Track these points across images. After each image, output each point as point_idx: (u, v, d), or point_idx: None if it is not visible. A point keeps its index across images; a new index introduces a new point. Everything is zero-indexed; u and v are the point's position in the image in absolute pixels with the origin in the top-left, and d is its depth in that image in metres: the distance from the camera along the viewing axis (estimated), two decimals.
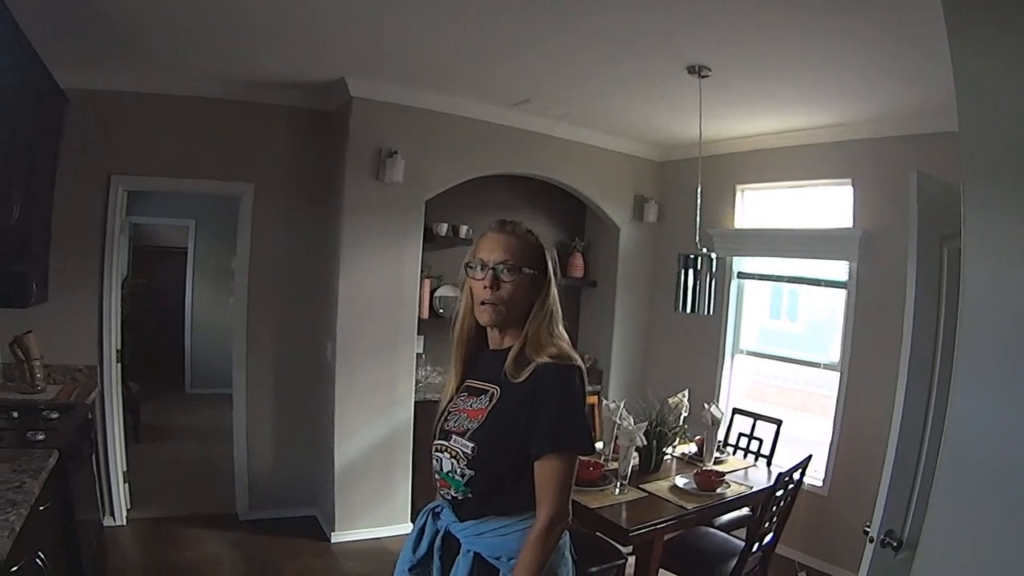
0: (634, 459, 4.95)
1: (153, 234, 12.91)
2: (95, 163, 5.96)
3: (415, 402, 6.61)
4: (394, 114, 6.26)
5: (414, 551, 2.67)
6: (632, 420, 4.90)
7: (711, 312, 5.31)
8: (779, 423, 5.99)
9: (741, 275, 7.43)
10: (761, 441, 6.00)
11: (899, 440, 2.93)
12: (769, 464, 5.82)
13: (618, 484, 4.73)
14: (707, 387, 7.30)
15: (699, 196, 5.66)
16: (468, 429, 2.49)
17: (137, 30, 4.96)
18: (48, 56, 4.70)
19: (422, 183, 6.48)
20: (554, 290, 2.57)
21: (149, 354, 11.70)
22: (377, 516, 6.46)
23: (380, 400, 6.43)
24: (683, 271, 5.23)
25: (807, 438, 6.49)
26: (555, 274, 2.59)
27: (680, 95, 5.64)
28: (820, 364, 6.71)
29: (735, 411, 6.33)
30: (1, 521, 2.90)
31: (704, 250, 5.22)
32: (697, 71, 5.00)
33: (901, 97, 5.34)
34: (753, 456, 5.95)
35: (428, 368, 7.31)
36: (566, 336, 2.55)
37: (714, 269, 5.24)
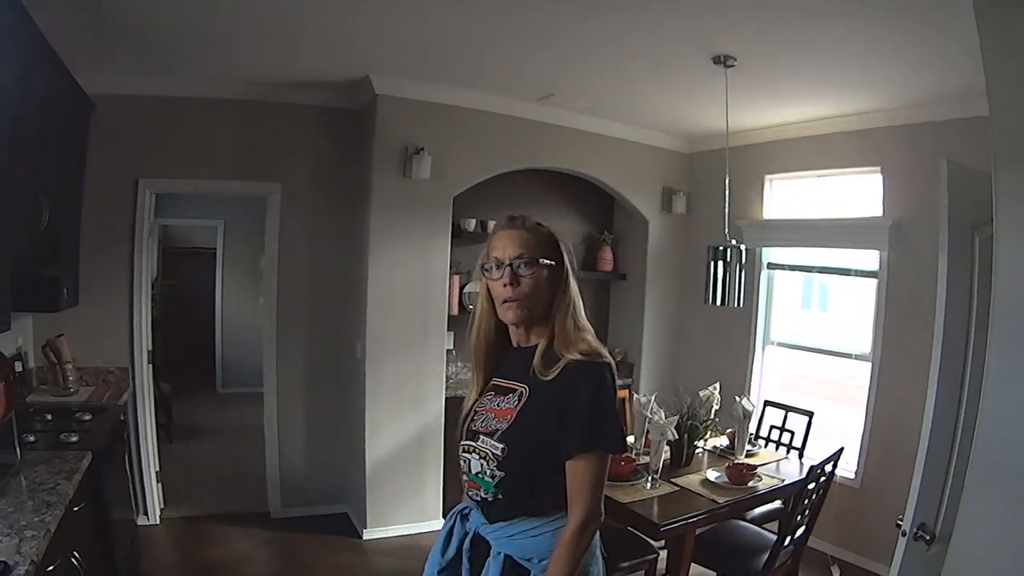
0: (665, 453, 4.91)
1: (182, 235, 13.00)
2: (123, 167, 6.00)
3: (445, 398, 6.63)
4: (419, 111, 6.26)
5: (443, 554, 2.63)
6: (663, 414, 4.86)
7: (741, 304, 5.27)
8: (811, 415, 5.92)
9: (771, 266, 7.37)
10: (793, 433, 5.93)
11: (931, 432, 2.89)
12: (801, 456, 5.74)
13: (649, 478, 4.70)
14: (738, 379, 7.26)
15: (727, 187, 5.62)
16: (497, 429, 2.44)
17: (161, 36, 4.99)
18: (73, 63, 4.74)
19: (449, 179, 6.47)
20: (573, 280, 2.50)
21: (180, 354, 11.79)
22: (408, 512, 6.47)
23: (410, 396, 6.45)
24: (712, 263, 5.19)
25: (839, 430, 6.45)
26: (572, 263, 2.52)
27: (706, 86, 5.59)
28: (852, 355, 6.64)
29: (766, 403, 6.26)
30: (36, 522, 2.92)
31: (733, 241, 5.18)
32: (723, 61, 4.95)
33: (930, 83, 5.26)
34: (785, 448, 5.88)
35: (458, 364, 7.29)
36: (591, 328, 2.49)
37: (743, 260, 5.20)
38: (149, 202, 6.15)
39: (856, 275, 6.63)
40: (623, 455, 4.84)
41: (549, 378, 2.37)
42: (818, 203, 6.94)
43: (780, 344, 7.39)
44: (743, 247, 5.20)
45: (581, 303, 2.49)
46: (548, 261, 2.46)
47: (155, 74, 5.89)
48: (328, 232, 6.69)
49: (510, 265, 2.43)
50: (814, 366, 7.18)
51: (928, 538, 2.80)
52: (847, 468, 6.25)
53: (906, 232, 6.02)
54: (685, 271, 8.18)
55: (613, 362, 2.40)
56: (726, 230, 5.37)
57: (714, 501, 4.54)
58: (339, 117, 6.66)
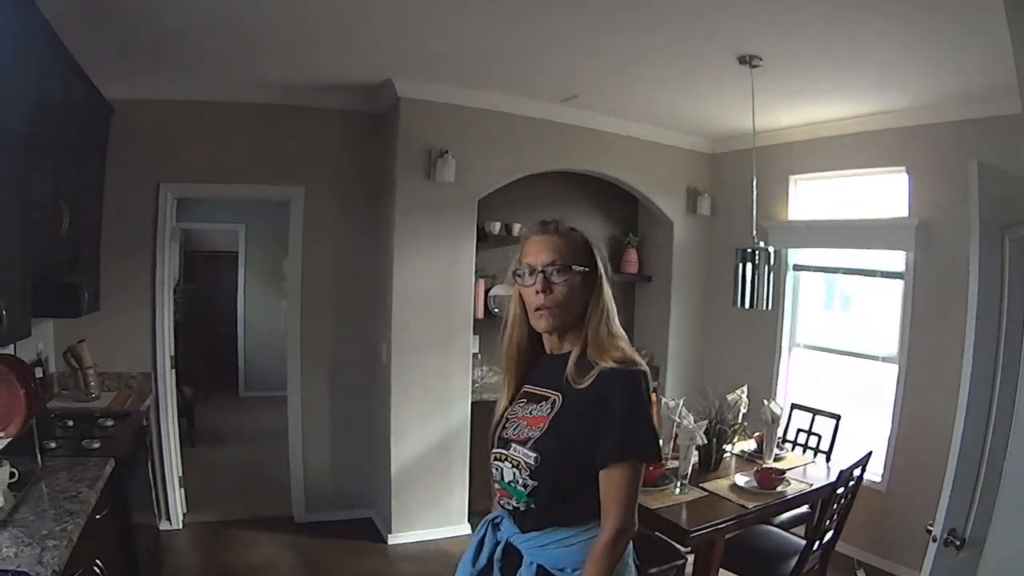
0: (694, 457, 4.85)
1: (203, 239, 13.01)
2: (144, 171, 6.01)
3: (471, 402, 6.59)
4: (443, 113, 6.23)
5: (473, 563, 2.58)
6: (692, 418, 4.80)
7: (770, 307, 5.20)
8: (838, 418, 5.83)
9: (796, 267, 7.29)
10: (820, 437, 5.86)
11: (963, 437, 2.83)
12: (828, 460, 5.69)
13: (678, 483, 4.65)
14: (764, 382, 7.19)
15: (754, 188, 5.56)
16: (530, 438, 2.39)
17: (181, 39, 4.98)
18: (92, 67, 4.75)
19: (474, 182, 6.43)
20: (607, 286, 2.45)
21: (202, 358, 11.76)
22: (434, 517, 6.43)
23: (436, 401, 6.41)
24: (741, 265, 5.13)
25: (864, 433, 6.36)
26: (606, 269, 2.48)
27: (731, 86, 5.53)
28: (878, 357, 6.56)
29: (793, 406, 6.17)
30: (59, 531, 2.91)
31: (761, 243, 5.11)
32: (748, 61, 4.89)
33: (957, 81, 5.18)
34: (812, 452, 5.82)
35: (484, 368, 7.26)
36: (624, 334, 2.44)
37: (772, 262, 5.14)
38: (171, 206, 6.14)
39: (881, 276, 6.55)
40: (653, 463, 4.79)
41: (583, 386, 2.31)
42: (843, 204, 6.86)
43: (806, 346, 7.31)
44: (771, 249, 5.13)
45: (615, 309, 2.44)
46: (581, 268, 2.41)
47: (176, 78, 5.88)
48: (352, 235, 6.65)
49: (543, 272, 2.39)
50: (839, 368, 7.09)
51: (958, 543, 2.76)
52: (873, 471, 6.02)
53: (932, 233, 5.93)
54: (710, 273, 8.12)
55: (648, 369, 2.36)
56: (754, 232, 5.30)
57: (743, 506, 4.48)
58: (362, 120, 6.64)
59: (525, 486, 2.37)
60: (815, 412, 6.01)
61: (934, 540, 2.81)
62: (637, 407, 2.28)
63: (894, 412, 6.23)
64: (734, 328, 7.82)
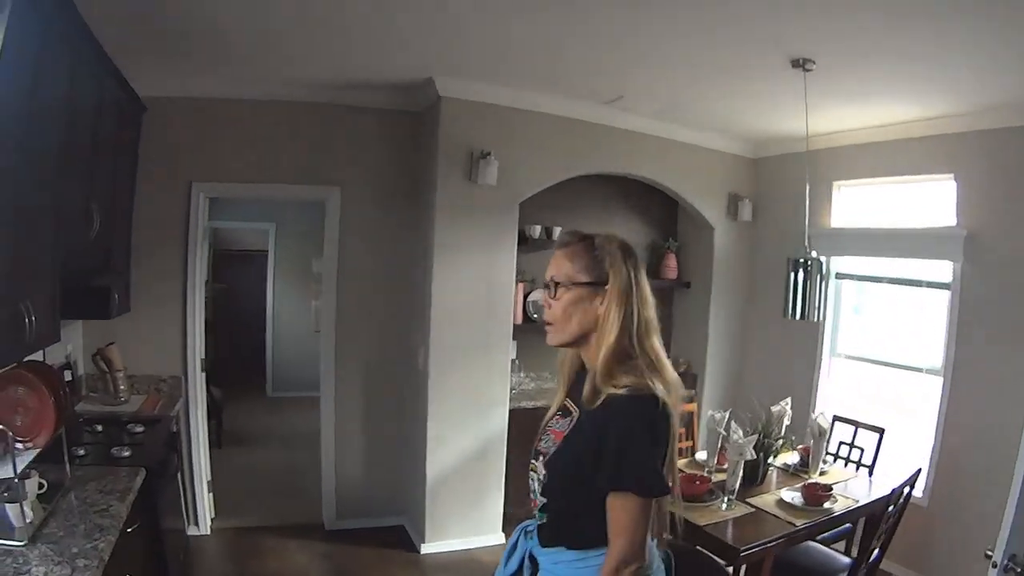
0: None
1: (233, 238, 13.02)
2: (176, 171, 5.93)
3: (509, 409, 6.47)
4: (485, 113, 6.11)
5: (505, 564, 2.61)
6: (741, 432, 4.68)
7: (821, 318, 5.04)
8: (881, 432, 5.73)
9: (839, 275, 7.12)
10: (862, 450, 5.76)
11: None
12: (871, 474, 5.58)
13: (725, 499, 4.54)
14: (804, 392, 7.07)
15: (807, 195, 5.42)
16: (547, 452, 2.40)
17: (213, 35, 4.87)
18: (125, 65, 4.67)
19: (516, 184, 6.32)
20: (621, 299, 2.32)
21: (230, 358, 11.75)
22: (468, 526, 6.32)
23: (473, 407, 6.29)
24: (792, 275, 4.99)
25: (906, 446, 6.24)
26: (627, 279, 2.35)
27: (781, 89, 5.38)
28: (922, 369, 6.40)
29: (835, 418, 6.01)
30: (89, 549, 2.83)
31: (813, 252, 4.98)
32: (802, 64, 4.75)
33: (1010, 87, 5.05)
34: (854, 466, 5.71)
35: (521, 374, 7.19)
36: (653, 350, 2.33)
37: (824, 272, 5.01)
38: (203, 206, 6.07)
39: (927, 287, 6.39)
40: (698, 475, 4.78)
41: (594, 407, 2.27)
42: (888, 211, 6.72)
43: (847, 357, 7.18)
44: (823, 258, 5.00)
45: (640, 322, 2.33)
46: (584, 281, 2.38)
47: (208, 75, 5.81)
48: (388, 236, 6.55)
49: (546, 286, 2.44)
50: (880, 380, 6.95)
51: (1019, 570, 2.65)
52: (916, 487, 5.87)
53: (981, 243, 5.78)
54: (751, 279, 8.03)
55: (665, 398, 2.21)
56: (806, 240, 5.13)
57: (791, 523, 4.38)
58: (401, 119, 6.53)
59: (539, 501, 2.43)
60: (858, 425, 5.90)
61: (994, 566, 2.71)
62: (633, 438, 2.19)
63: (937, 425, 6.07)
64: (774, 337, 7.69)
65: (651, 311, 2.38)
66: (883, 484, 5.12)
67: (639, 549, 2.19)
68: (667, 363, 2.34)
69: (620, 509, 2.18)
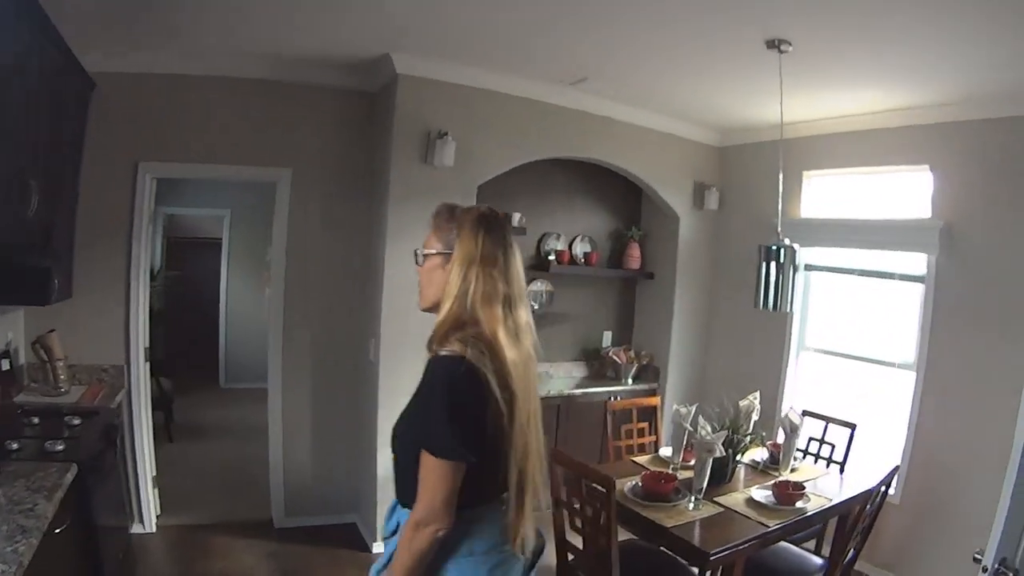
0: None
1: (187, 224, 12.76)
2: (121, 150, 5.65)
3: None
4: (443, 93, 5.87)
5: (387, 524, 2.66)
6: (709, 428, 4.51)
7: (792, 308, 4.86)
8: (853, 427, 5.59)
9: (808, 267, 6.99)
10: (833, 446, 5.63)
11: (1022, 460, 2.63)
12: (842, 471, 5.46)
13: (693, 498, 4.35)
14: (771, 386, 6.94)
15: (780, 181, 5.26)
16: None
17: (164, 6, 4.63)
18: (72, 38, 4.44)
19: (474, 167, 6.08)
20: (463, 268, 2.39)
21: (182, 348, 11.50)
22: None
23: None
24: (765, 264, 4.79)
25: (877, 442, 6.17)
26: (480, 248, 2.40)
27: (754, 71, 5.24)
28: (894, 364, 6.30)
29: (804, 413, 5.79)
30: (9, 553, 2.59)
31: (786, 240, 4.78)
32: (777, 45, 4.58)
33: (989, 78, 4.97)
34: (824, 462, 5.59)
35: None
36: (497, 319, 2.37)
37: (796, 262, 4.80)
38: (149, 188, 5.80)
39: (900, 279, 6.29)
40: (663, 472, 4.65)
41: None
42: (859, 202, 6.62)
43: (816, 350, 7.06)
44: (797, 247, 4.80)
45: (476, 292, 2.38)
46: (435, 251, 2.54)
47: (155, 49, 5.52)
48: (341, 222, 6.31)
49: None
50: (850, 374, 6.82)
51: (1011, 574, 2.50)
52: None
53: (957, 235, 5.72)
54: (716, 270, 7.91)
55: (476, 364, 2.25)
56: (779, 228, 4.95)
57: (763, 524, 4.18)
58: (356, 99, 6.29)
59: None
60: (829, 420, 5.77)
61: (984, 570, 2.59)
62: (432, 399, 2.30)
63: (910, 421, 5.98)
64: (740, 329, 7.59)
65: (501, 284, 2.40)
66: (855, 482, 5.07)
67: (438, 511, 2.24)
68: (512, 338, 2.37)
69: (422, 467, 2.28)
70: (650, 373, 7.76)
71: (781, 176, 5.28)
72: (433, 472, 2.24)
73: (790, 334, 7.07)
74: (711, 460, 4.37)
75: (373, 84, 6.19)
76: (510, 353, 2.32)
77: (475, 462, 2.26)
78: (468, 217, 2.44)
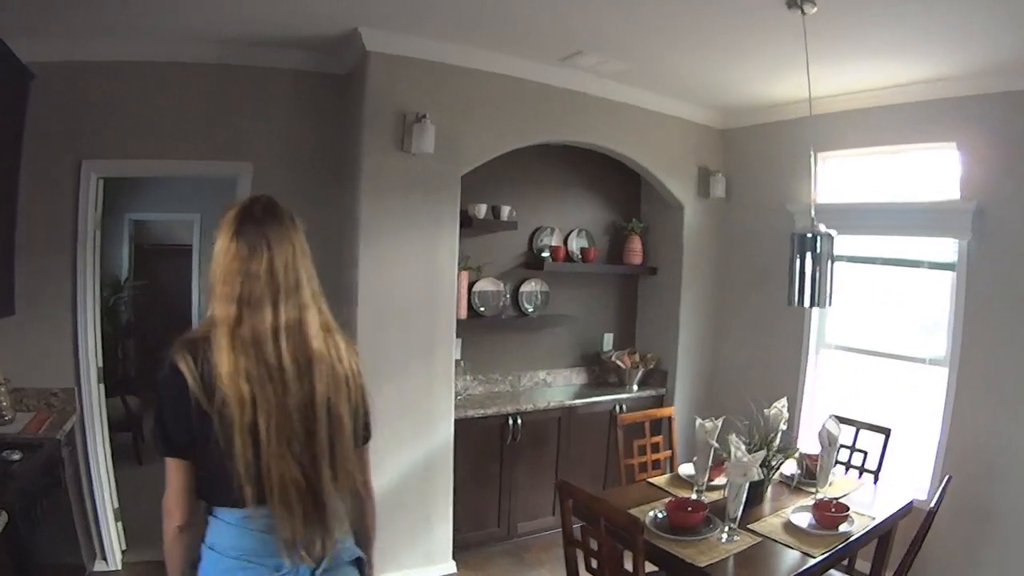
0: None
1: (156, 231, 12.28)
2: (63, 147, 5.13)
3: (455, 419, 5.73)
4: (420, 72, 5.35)
5: None
6: (743, 447, 3.96)
7: (831, 304, 4.38)
8: (887, 433, 5.17)
9: None
10: (865, 454, 5.21)
11: None
12: (876, 481, 5.03)
13: (726, 528, 3.81)
14: (789, 389, 6.38)
15: (812, 163, 4.89)
16: None
17: None
18: (5, 25, 4.14)
19: (457, 154, 5.56)
20: (215, 267, 2.35)
21: (152, 362, 10.90)
22: (415, 556, 5.58)
23: (414, 420, 5.51)
24: (799, 256, 4.28)
25: (908, 444, 5.73)
26: (227, 245, 2.35)
27: (772, 38, 4.84)
28: (925, 360, 5.87)
29: (831, 417, 5.33)
30: None
31: (822, 228, 4.27)
32: (800, 4, 4.11)
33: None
34: (856, 472, 5.17)
35: (467, 377, 6.47)
36: (218, 313, 2.31)
37: (834, 252, 4.32)
38: (95, 188, 5.27)
39: (929, 267, 5.89)
40: (690, 501, 4.13)
41: None
42: (880, 185, 6.20)
43: (837, 347, 6.59)
44: (834, 234, 4.31)
45: (216, 289, 2.34)
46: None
47: (99, 34, 5.00)
48: (309, 219, 5.57)
49: None
50: (876, 372, 6.35)
51: None
52: (919, 490, 5.53)
53: (990, 218, 5.34)
54: (724, 264, 7.44)
55: (177, 360, 2.24)
56: (812, 214, 4.42)
57: (808, 555, 3.66)
58: (322, 82, 5.78)
59: None
60: (860, 426, 5.33)
61: None
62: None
63: (943, 421, 5.59)
64: (753, 327, 7.14)
65: (259, 284, 2.31)
66: (892, 494, 4.66)
67: (170, 506, 2.29)
68: (269, 341, 2.29)
69: None
70: (656, 377, 7.32)
71: (813, 155, 4.89)
72: (166, 467, 2.29)
73: (809, 330, 6.63)
74: (747, 485, 3.83)
75: (341, 65, 5.69)
76: (242, 357, 2.23)
77: (190, 461, 2.28)
78: (226, 216, 2.40)
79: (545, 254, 6.86)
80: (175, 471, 2.26)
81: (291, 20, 4.90)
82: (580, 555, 3.73)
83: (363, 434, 2.58)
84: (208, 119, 5.47)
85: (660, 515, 3.95)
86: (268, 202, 2.50)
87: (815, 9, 4.13)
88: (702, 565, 3.49)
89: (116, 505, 5.58)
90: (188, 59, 5.34)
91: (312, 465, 2.28)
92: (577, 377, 7.41)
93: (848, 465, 5.23)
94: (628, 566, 3.33)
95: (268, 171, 5.59)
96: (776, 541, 3.82)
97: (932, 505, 3.98)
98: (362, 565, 2.57)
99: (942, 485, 4.20)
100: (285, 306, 2.33)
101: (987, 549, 5.22)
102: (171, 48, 5.25)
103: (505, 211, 6.44)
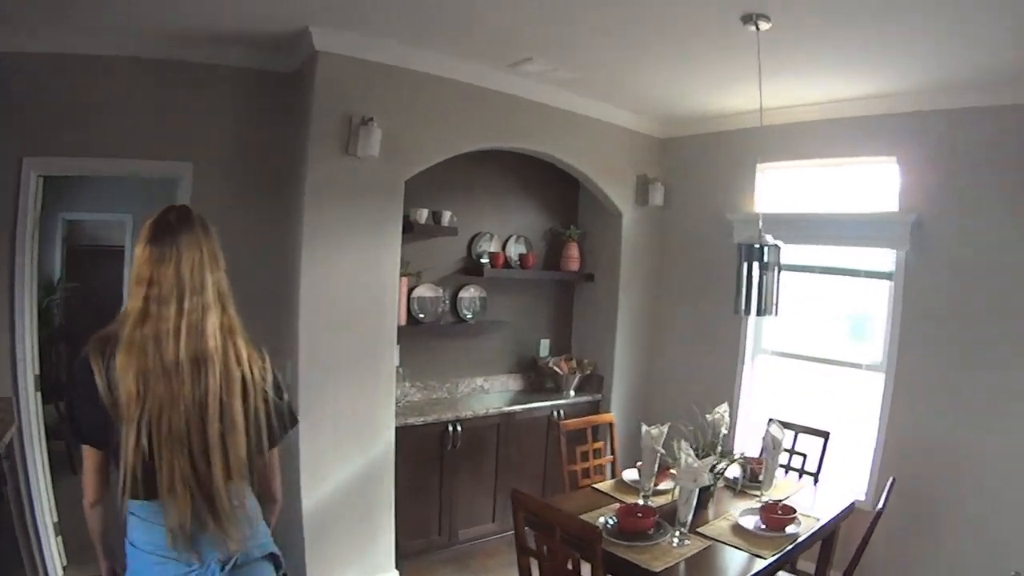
0: (676, 494, 4.09)
1: (88, 231, 12.00)
2: (3, 144, 4.92)
3: (396, 427, 5.65)
4: (369, 73, 5.24)
5: None
6: (692, 452, 3.99)
7: (777, 313, 4.48)
8: (827, 436, 5.35)
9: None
10: (805, 456, 5.38)
11: None
12: (815, 483, 5.22)
13: (677, 533, 3.86)
14: (725, 393, 6.50)
15: (755, 174, 5.40)
16: None
17: None
18: None
19: (402, 159, 5.48)
20: (132, 271, 2.52)
21: None
22: (359, 568, 5.47)
23: (356, 427, 5.41)
24: (747, 265, 4.37)
25: (845, 448, 5.85)
26: (140, 250, 2.52)
27: (724, 54, 4.98)
28: (862, 365, 6.07)
29: (771, 421, 5.31)
30: None
31: (771, 239, 4.38)
32: (754, 20, 4.21)
33: (963, 66, 4.84)
34: (796, 474, 5.35)
35: (406, 384, 6.40)
36: (129, 308, 2.45)
37: (781, 261, 4.44)
38: (36, 188, 5.09)
39: (866, 276, 6.12)
40: (639, 507, 4.18)
41: None
42: (822, 196, 6.37)
43: (773, 353, 6.73)
44: (781, 245, 4.43)
45: (137, 294, 2.46)
46: None
47: (37, 25, 4.84)
48: (251, 223, 5.57)
49: None
50: (812, 378, 6.53)
51: None
52: (858, 490, 5.78)
53: (928, 230, 5.59)
54: (661, 271, 7.54)
55: (89, 351, 2.42)
56: (760, 224, 4.53)
57: (759, 556, 3.76)
58: (268, 81, 5.58)
59: None
60: (798, 429, 5.49)
61: None
62: None
63: (880, 424, 5.82)
64: (690, 333, 7.28)
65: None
66: (833, 495, 4.91)
67: (85, 483, 2.50)
68: (171, 339, 2.40)
69: None
70: (593, 383, 7.37)
71: (757, 166, 5.31)
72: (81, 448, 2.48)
73: (745, 337, 6.77)
74: (697, 490, 3.89)
75: (288, 63, 5.52)
76: (139, 354, 2.36)
77: (99, 448, 2.44)
78: (145, 223, 2.55)
79: (484, 260, 6.86)
80: (87, 454, 2.46)
81: (240, 16, 4.78)
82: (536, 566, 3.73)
83: (268, 440, 2.60)
84: (150, 117, 5.28)
85: (611, 521, 3.97)
86: (182, 210, 2.62)
87: (769, 25, 4.23)
88: (657, 570, 3.52)
89: (55, 519, 5.41)
90: (130, 53, 5.15)
91: (203, 460, 2.37)
92: (514, 383, 7.41)
93: (788, 468, 5.36)
94: (585, 574, 3.36)
95: (210, 172, 5.44)
96: (726, 544, 3.90)
97: (880, 506, 4.12)
98: (278, 561, 2.66)
99: (887, 486, 4.36)
100: (189, 306, 2.43)
101: (923, 545, 5.44)
102: (113, 42, 5.06)
103: (446, 216, 6.41)
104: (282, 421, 2.71)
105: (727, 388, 6.70)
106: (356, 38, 5.05)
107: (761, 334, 6.77)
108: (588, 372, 7.24)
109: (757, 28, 4.23)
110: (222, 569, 2.43)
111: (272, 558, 2.64)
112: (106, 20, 4.83)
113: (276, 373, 2.75)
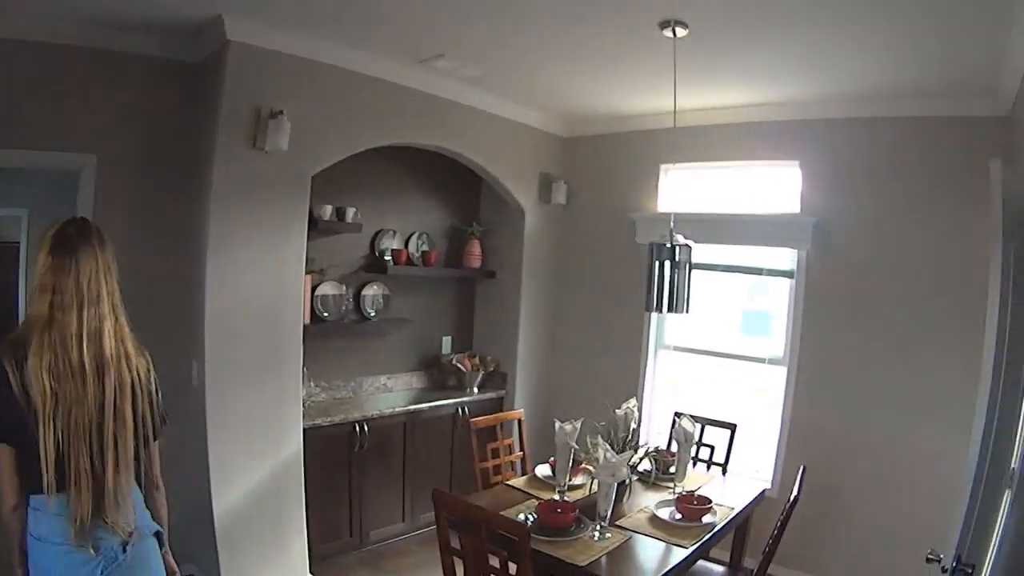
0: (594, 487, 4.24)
1: None
2: None
3: (304, 428, 5.54)
4: (279, 65, 5.09)
5: None
6: (609, 448, 4.01)
7: (688, 311, 4.52)
8: (733, 428, 5.52)
9: None
10: (712, 448, 5.53)
11: (979, 459, 2.67)
12: (724, 473, 5.40)
13: (597, 527, 3.92)
14: (628, 388, 6.66)
15: (660, 175, 5.39)
16: None
17: None
18: None
19: (310, 153, 5.35)
20: (35, 279, 2.71)
21: None
22: (273, 569, 5.35)
23: (263, 429, 5.27)
24: (658, 263, 4.39)
25: (750, 438, 6.11)
26: (42, 260, 2.71)
27: (642, 58, 5.07)
28: (764, 360, 6.35)
29: (677, 415, 5.51)
30: None
31: (682, 239, 4.43)
32: (672, 26, 4.29)
33: (872, 76, 5.07)
34: (705, 465, 5.46)
35: (311, 384, 6.25)
36: (33, 315, 2.63)
37: (692, 261, 4.49)
38: None
39: (768, 275, 6.39)
40: (559, 503, 4.18)
41: None
42: (723, 197, 6.61)
43: (675, 348, 6.87)
44: (692, 244, 4.48)
45: (35, 293, 2.68)
46: None
47: None
48: (156, 219, 5.39)
49: None
50: (715, 372, 6.71)
51: (969, 571, 2.57)
52: (763, 478, 6.03)
53: (827, 231, 5.88)
54: (563, 269, 7.66)
55: (2, 354, 2.55)
56: (672, 224, 4.52)
57: (679, 546, 3.88)
58: (175, 70, 5.34)
59: None
60: (705, 422, 5.61)
61: (944, 571, 2.65)
62: None
63: (783, 415, 6.10)
64: (592, 329, 7.42)
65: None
66: (742, 484, 5.13)
67: (2, 488, 2.57)
68: (74, 342, 2.61)
69: None
70: (496, 380, 7.39)
71: (662, 167, 5.12)
72: None
73: (648, 333, 6.90)
74: (615, 485, 3.93)
75: (197, 52, 5.29)
76: (49, 355, 2.54)
77: (15, 447, 2.53)
78: (47, 234, 2.75)
79: (387, 257, 6.81)
80: (4, 455, 2.54)
81: (152, 3, 4.57)
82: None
83: (153, 435, 2.90)
84: (49, 105, 5.00)
85: (532, 518, 3.99)
86: (81, 224, 2.81)
87: (686, 32, 4.31)
88: (583, 564, 3.58)
89: None
90: (28, 36, 4.85)
91: (100, 456, 2.58)
92: (417, 381, 7.36)
93: (696, 459, 5.41)
94: (511, 570, 3.38)
95: (114, 165, 5.21)
96: (646, 535, 4.00)
97: (795, 493, 4.24)
98: (160, 537, 2.93)
99: (799, 475, 4.46)
100: (87, 314, 2.65)
101: (829, 529, 5.73)
102: (13, 26, 4.77)
103: (350, 213, 6.33)
104: (162, 417, 2.99)
105: (631, 383, 6.81)
106: (268, 28, 4.91)
107: (664, 330, 6.88)
108: (491, 369, 7.27)
109: (674, 34, 4.31)
110: (124, 550, 2.66)
111: (157, 535, 2.89)
112: (5, 3, 4.58)
113: (155, 375, 2.96)
